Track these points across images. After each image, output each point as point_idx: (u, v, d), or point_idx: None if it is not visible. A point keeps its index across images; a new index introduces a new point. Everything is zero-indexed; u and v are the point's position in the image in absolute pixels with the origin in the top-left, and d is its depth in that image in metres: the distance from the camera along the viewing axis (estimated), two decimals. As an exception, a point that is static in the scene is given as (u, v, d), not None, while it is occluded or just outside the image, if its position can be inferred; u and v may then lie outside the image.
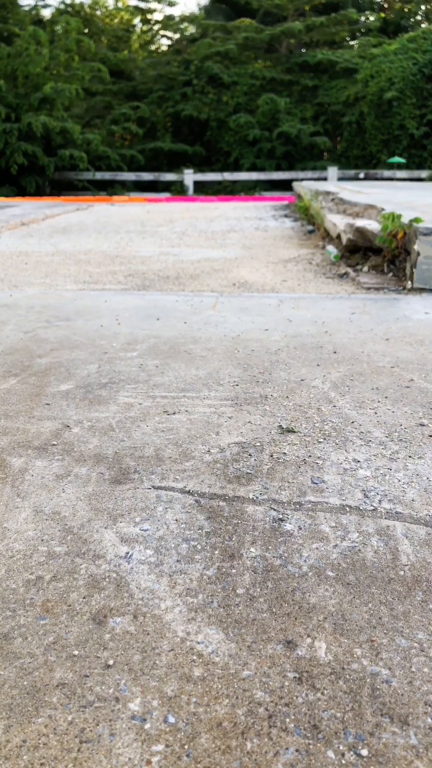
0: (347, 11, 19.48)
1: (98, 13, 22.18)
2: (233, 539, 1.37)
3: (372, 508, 1.49)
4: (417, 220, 3.97)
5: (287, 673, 1.02)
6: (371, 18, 20.82)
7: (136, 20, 22.67)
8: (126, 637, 1.10)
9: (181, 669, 1.03)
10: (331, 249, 5.41)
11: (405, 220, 4.19)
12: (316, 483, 1.61)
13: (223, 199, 14.03)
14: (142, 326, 3.16)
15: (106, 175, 17.06)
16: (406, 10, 21.92)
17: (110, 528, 1.41)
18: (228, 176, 17.12)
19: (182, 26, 21.99)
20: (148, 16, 22.32)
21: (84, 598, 1.19)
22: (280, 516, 1.46)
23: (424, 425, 1.96)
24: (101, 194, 16.64)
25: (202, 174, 17.26)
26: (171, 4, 21.48)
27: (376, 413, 2.06)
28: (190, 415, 2.04)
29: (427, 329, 3.11)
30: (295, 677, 1.01)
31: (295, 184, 11.63)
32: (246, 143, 18.17)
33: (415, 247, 3.92)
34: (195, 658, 1.05)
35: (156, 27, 22.50)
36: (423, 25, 19.02)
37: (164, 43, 22.62)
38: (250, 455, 1.76)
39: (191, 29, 21.57)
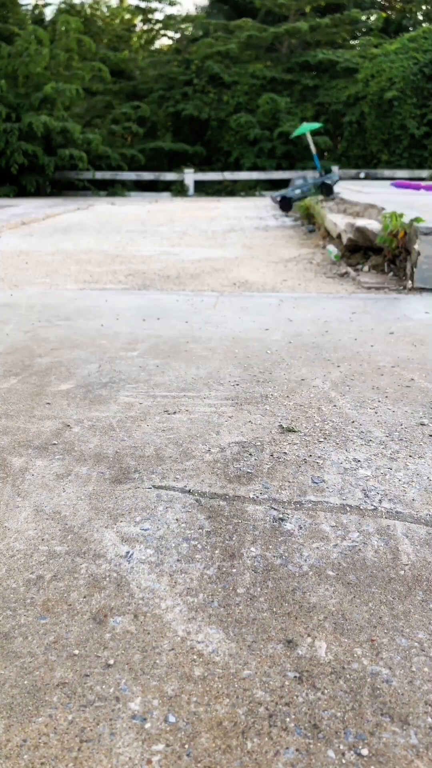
0: (350, 12, 19.45)
1: (99, 12, 22.15)
2: (233, 539, 1.37)
3: (372, 507, 1.49)
4: (417, 219, 3.97)
5: (287, 673, 1.02)
6: (372, 18, 20.78)
7: (137, 20, 22.64)
8: (126, 636, 1.10)
9: (181, 668, 1.03)
10: (332, 248, 5.41)
11: (405, 219, 4.18)
12: (316, 482, 1.61)
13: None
14: (143, 326, 3.16)
15: (107, 175, 17.04)
16: (406, 10, 21.90)
17: (111, 527, 1.41)
18: (228, 176, 17.10)
19: (183, 26, 21.96)
20: (149, 16, 22.29)
21: (84, 597, 1.19)
22: (281, 515, 1.46)
23: (424, 425, 1.96)
24: (101, 194, 16.63)
25: (203, 173, 17.25)
26: (172, 4, 21.44)
27: (376, 413, 2.06)
28: (191, 415, 2.04)
29: (427, 329, 3.11)
30: (295, 677, 1.01)
31: (295, 184, 11.62)
32: (246, 143, 18.15)
33: (416, 246, 3.92)
34: (195, 657, 1.05)
35: (157, 27, 22.47)
36: (424, 25, 18.98)
37: (165, 43, 22.59)
38: (250, 455, 1.76)
39: (192, 29, 21.54)
